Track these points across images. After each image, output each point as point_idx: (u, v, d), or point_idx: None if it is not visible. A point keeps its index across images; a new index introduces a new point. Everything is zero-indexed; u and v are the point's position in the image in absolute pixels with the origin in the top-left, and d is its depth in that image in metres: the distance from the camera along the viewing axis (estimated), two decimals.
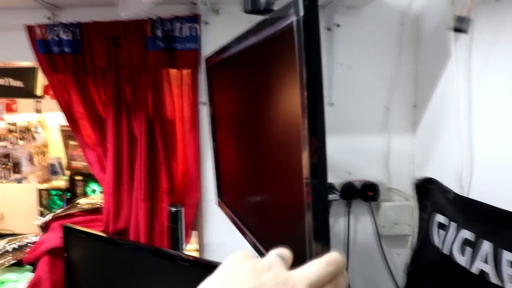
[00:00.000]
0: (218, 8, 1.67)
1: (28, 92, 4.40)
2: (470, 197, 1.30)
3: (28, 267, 1.89)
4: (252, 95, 1.16)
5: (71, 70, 1.67)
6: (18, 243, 1.94)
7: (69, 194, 3.34)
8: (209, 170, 1.73)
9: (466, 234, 1.25)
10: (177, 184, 1.74)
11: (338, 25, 1.71)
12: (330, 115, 1.70)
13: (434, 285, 1.46)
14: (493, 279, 1.12)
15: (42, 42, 1.66)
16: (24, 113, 4.60)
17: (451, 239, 1.33)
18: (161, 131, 1.66)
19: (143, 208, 1.67)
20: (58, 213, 1.92)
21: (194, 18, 1.63)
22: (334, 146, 1.76)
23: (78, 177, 3.39)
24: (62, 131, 4.06)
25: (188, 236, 1.71)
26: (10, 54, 1.77)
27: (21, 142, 4.70)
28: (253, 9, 1.24)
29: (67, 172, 4.18)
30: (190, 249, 1.84)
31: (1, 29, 1.73)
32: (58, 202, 3.36)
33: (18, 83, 4.24)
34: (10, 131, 4.55)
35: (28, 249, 1.87)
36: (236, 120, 1.35)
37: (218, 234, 1.79)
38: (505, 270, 1.09)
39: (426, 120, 1.71)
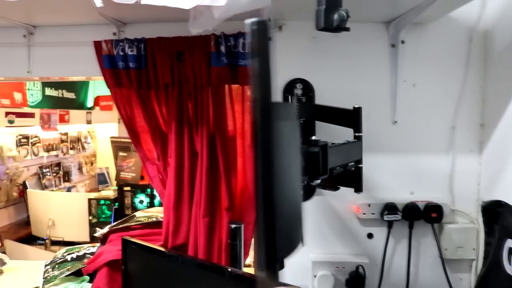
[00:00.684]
0: (282, 24, 1.66)
1: (79, 104, 4.54)
2: None
3: (86, 277, 1.92)
4: None
5: (134, 85, 1.69)
6: (77, 253, 1.97)
7: (117, 204, 3.40)
8: None
9: None
10: (236, 200, 1.72)
11: (403, 42, 1.67)
12: (393, 133, 1.68)
13: None
14: None
15: (108, 57, 1.69)
16: (75, 124, 4.75)
17: None
18: (222, 146, 1.66)
19: (203, 224, 1.66)
20: (116, 226, 1.93)
21: None
22: (397, 165, 1.72)
23: (127, 188, 3.44)
24: (112, 142, 4.16)
25: (246, 253, 1.69)
26: (77, 69, 1.81)
27: (71, 152, 4.84)
28: (326, 26, 1.21)
29: (115, 182, 4.26)
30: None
31: (70, 45, 1.77)
32: (107, 211, 3.42)
33: (71, 95, 4.39)
34: (62, 141, 4.70)
35: (86, 260, 1.89)
36: None
37: None
38: None
39: (494, 139, 1.65)
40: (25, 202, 3.85)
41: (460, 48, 1.69)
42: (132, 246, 1.66)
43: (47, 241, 3.50)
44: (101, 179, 5.12)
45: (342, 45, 1.69)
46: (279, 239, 0.63)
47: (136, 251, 1.65)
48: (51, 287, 1.85)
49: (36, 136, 4.29)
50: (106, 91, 4.76)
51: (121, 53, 1.68)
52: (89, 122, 5.02)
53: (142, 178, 3.90)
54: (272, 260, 0.62)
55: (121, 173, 3.98)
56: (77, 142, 5.09)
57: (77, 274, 1.95)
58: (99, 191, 4.49)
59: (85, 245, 2.10)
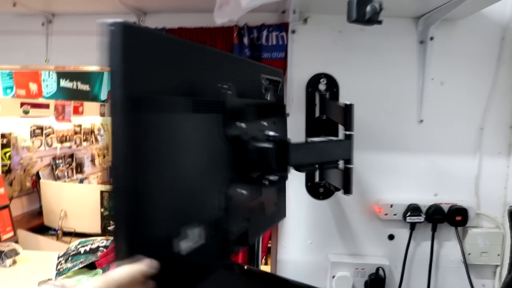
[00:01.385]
0: (307, 16, 1.61)
1: (94, 96, 4.53)
2: None
3: (99, 270, 1.88)
4: None
5: None
6: (90, 246, 1.94)
7: None
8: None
9: None
10: None
11: (431, 38, 1.61)
12: (418, 132, 1.63)
13: None
14: None
15: None
16: (89, 116, 4.75)
17: None
18: None
19: None
20: None
21: (282, 27, 1.59)
22: (421, 165, 1.67)
23: None
24: None
25: (264, 252, 1.65)
26: (96, 58, 1.77)
27: (84, 144, 4.84)
28: (358, 18, 1.16)
29: None
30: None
31: (89, 34, 1.73)
32: None
33: (85, 87, 4.37)
34: (76, 132, 4.70)
35: (99, 253, 1.86)
36: None
37: (294, 251, 1.72)
38: None
39: None
40: (38, 193, 3.85)
41: (491, 46, 1.63)
42: None
43: (58, 231, 3.50)
44: None
45: (369, 41, 1.64)
46: (134, 228, 0.64)
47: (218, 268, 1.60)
48: (64, 279, 1.83)
49: (50, 127, 4.29)
50: None
51: None
52: (102, 114, 5.02)
53: None
54: (122, 249, 0.63)
55: None
56: (90, 134, 5.09)
57: (90, 267, 1.92)
58: (111, 183, 4.47)
59: (99, 238, 2.07)
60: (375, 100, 1.65)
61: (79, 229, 3.49)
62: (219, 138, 0.83)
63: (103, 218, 3.41)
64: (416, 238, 1.69)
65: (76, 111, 4.51)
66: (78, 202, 3.53)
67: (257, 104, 1.05)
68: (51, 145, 4.31)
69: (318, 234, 1.71)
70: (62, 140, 4.52)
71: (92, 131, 5.13)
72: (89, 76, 4.42)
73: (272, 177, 0.96)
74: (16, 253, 2.11)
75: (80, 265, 1.84)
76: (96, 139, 5.22)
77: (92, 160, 5.15)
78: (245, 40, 1.57)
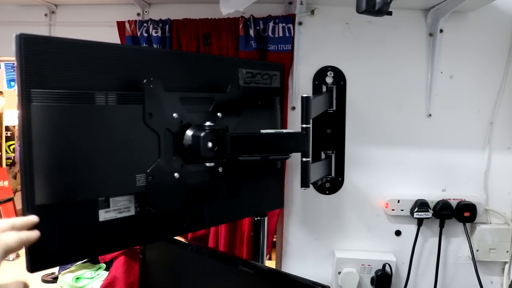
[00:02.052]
0: (314, 8, 1.58)
1: None
2: None
3: (102, 265, 1.88)
4: None
5: None
6: None
7: None
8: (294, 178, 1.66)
9: None
10: None
11: (441, 31, 1.58)
12: (427, 126, 1.60)
13: None
14: None
15: (131, 38, 1.63)
16: None
17: None
18: None
19: None
20: None
21: (289, 18, 1.56)
22: (429, 160, 1.64)
23: None
24: None
25: (269, 247, 1.63)
26: None
27: None
28: (367, 9, 1.13)
29: None
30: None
31: (92, 25, 1.72)
32: None
33: None
34: None
35: None
36: None
37: (299, 246, 1.70)
38: None
39: None
40: None
41: (502, 39, 1.60)
42: None
43: None
44: None
45: (377, 33, 1.61)
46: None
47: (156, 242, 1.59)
48: (67, 274, 1.82)
49: None
50: None
51: (145, 35, 1.62)
52: None
53: None
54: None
55: None
56: None
57: (94, 261, 1.91)
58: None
59: None
60: (383, 93, 1.63)
61: None
62: (143, 126, 0.97)
63: None
64: (424, 234, 1.66)
65: None
66: None
67: (205, 97, 1.13)
68: None
69: (323, 230, 1.69)
70: None
71: None
72: None
73: (208, 164, 1.07)
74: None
75: (83, 259, 1.83)
76: None
77: None
78: (251, 32, 1.55)
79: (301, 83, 1.62)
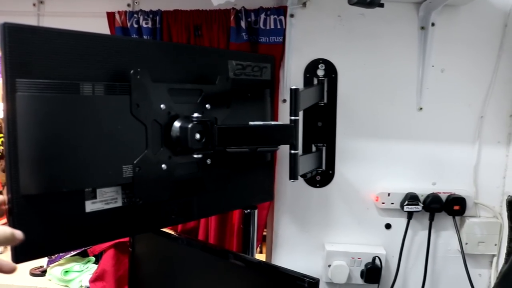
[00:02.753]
0: (306, 0, 1.57)
1: None
2: None
3: (91, 258, 1.86)
4: None
5: None
6: None
7: None
8: (285, 171, 1.65)
9: None
10: None
11: (433, 24, 1.58)
12: (418, 120, 1.60)
13: None
14: None
15: (121, 30, 1.62)
16: None
17: None
18: None
19: None
20: None
21: (280, 10, 1.55)
22: (420, 153, 1.65)
23: None
24: None
25: (259, 240, 1.63)
26: None
27: None
28: (359, 1, 1.13)
29: None
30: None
31: (82, 16, 1.70)
32: None
33: None
34: None
35: None
36: None
37: (289, 240, 1.70)
38: None
39: None
40: None
41: (494, 33, 1.60)
42: None
43: None
44: None
45: (369, 26, 1.60)
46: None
47: (144, 234, 1.58)
48: (55, 267, 1.80)
49: None
50: None
51: (135, 26, 1.60)
52: None
53: None
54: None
55: None
56: None
57: (83, 254, 1.90)
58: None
59: None
60: (374, 86, 1.62)
61: None
62: (130, 117, 0.96)
63: None
64: (414, 227, 1.67)
65: None
66: None
67: (193, 89, 1.13)
68: None
69: (314, 223, 1.69)
70: None
71: None
72: None
73: (196, 155, 1.07)
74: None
75: (73, 253, 1.82)
76: None
77: None
78: (243, 24, 1.53)
79: (292, 76, 1.61)
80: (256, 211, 1.52)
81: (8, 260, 0.75)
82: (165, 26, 1.59)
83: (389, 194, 1.64)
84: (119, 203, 0.98)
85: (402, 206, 1.62)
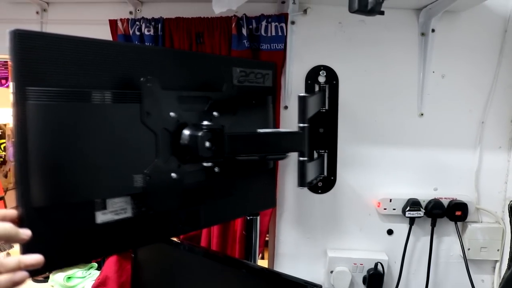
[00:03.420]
0: (307, 7, 1.58)
1: None
2: None
3: (94, 264, 1.87)
4: None
5: None
6: None
7: None
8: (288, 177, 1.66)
9: None
10: None
11: (433, 30, 1.59)
12: (419, 126, 1.61)
13: None
14: None
15: (124, 37, 1.62)
16: None
17: None
18: None
19: None
20: None
21: (281, 17, 1.56)
22: (421, 159, 1.65)
23: None
24: None
25: (261, 246, 1.63)
26: None
27: None
28: (360, 8, 1.14)
29: None
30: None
31: (84, 23, 1.71)
32: None
33: None
34: None
35: None
36: None
37: (292, 246, 1.70)
38: None
39: None
40: None
41: (494, 39, 1.61)
42: None
43: None
44: None
45: (369, 32, 1.61)
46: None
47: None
48: (58, 273, 1.81)
49: None
50: None
51: (137, 33, 1.61)
52: None
53: None
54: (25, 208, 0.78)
55: None
56: None
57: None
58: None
59: None
60: (375, 92, 1.63)
61: None
62: (140, 125, 0.94)
63: None
64: (416, 233, 1.67)
65: None
66: None
67: (202, 96, 1.11)
68: None
69: (316, 229, 1.69)
70: None
71: None
72: None
73: (206, 164, 1.06)
74: (10, 246, 2.09)
75: None
76: None
77: None
78: (244, 31, 1.54)
79: (293, 82, 1.62)
80: (258, 217, 1.52)
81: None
82: (167, 33, 1.60)
83: (391, 200, 1.64)
84: (128, 214, 0.95)
85: (404, 212, 1.62)
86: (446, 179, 1.66)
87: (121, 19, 1.62)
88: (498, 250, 1.66)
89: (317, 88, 1.62)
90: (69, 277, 1.77)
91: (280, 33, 1.56)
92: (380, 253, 1.67)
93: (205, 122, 1.04)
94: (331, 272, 1.64)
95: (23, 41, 0.77)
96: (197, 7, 1.59)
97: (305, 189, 1.66)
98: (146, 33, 1.60)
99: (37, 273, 0.78)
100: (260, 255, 2.05)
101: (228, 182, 1.21)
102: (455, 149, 1.65)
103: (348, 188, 1.66)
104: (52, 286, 1.80)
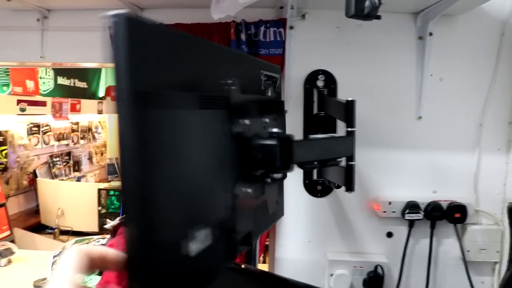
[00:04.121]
0: (305, 12, 1.60)
1: (91, 93, 4.52)
2: None
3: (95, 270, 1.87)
4: None
5: None
6: (86, 245, 1.92)
7: None
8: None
9: None
10: None
11: (430, 34, 1.60)
12: (417, 129, 1.61)
13: None
14: None
15: None
16: (86, 113, 4.73)
17: None
18: None
19: None
20: None
21: (279, 22, 1.57)
22: (420, 162, 1.66)
23: None
24: None
25: (261, 250, 1.64)
26: (92, 55, 1.76)
27: (82, 141, 4.82)
28: (356, 13, 1.15)
29: None
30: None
31: (85, 30, 1.72)
32: (116, 202, 3.38)
33: (82, 84, 4.36)
34: (73, 130, 4.68)
35: None
36: None
37: (292, 250, 1.71)
38: None
39: None
40: (35, 191, 3.83)
41: (491, 42, 1.62)
42: None
43: (56, 230, 3.48)
44: (111, 170, 5.10)
45: (367, 37, 1.63)
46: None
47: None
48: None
49: (47, 125, 4.27)
50: None
51: None
52: (100, 112, 5.00)
53: None
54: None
55: None
56: (88, 132, 5.07)
57: None
58: (109, 181, 4.47)
59: (95, 237, 2.06)
60: (373, 96, 1.64)
61: (76, 228, 3.48)
62: (224, 135, 0.80)
63: (100, 216, 3.39)
64: (415, 235, 1.68)
65: (74, 109, 4.48)
66: (75, 200, 3.51)
67: (259, 100, 1.02)
68: (48, 143, 4.28)
69: (316, 232, 1.70)
70: (60, 138, 4.50)
71: (89, 129, 5.11)
72: (87, 73, 4.40)
73: (276, 175, 0.93)
74: (12, 252, 2.10)
75: None
76: (94, 137, 5.21)
77: (90, 158, 5.13)
78: (243, 36, 1.56)
79: (292, 87, 1.63)
80: None
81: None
82: None
83: (390, 203, 1.65)
84: (209, 241, 0.75)
85: (403, 214, 1.63)
86: (445, 182, 1.66)
87: None
88: (497, 252, 1.66)
89: (315, 92, 1.63)
90: None
91: (278, 38, 1.58)
92: (379, 255, 1.67)
93: (275, 130, 0.93)
94: (331, 275, 1.65)
95: (135, 30, 0.58)
96: (196, 13, 1.61)
97: (305, 193, 1.67)
98: None
99: None
100: (261, 258, 2.06)
101: (276, 192, 1.14)
102: (453, 151, 1.65)
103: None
104: None
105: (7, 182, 3.73)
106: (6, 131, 3.70)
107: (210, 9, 1.35)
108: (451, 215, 1.63)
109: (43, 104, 4.02)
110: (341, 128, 1.63)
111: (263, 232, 1.40)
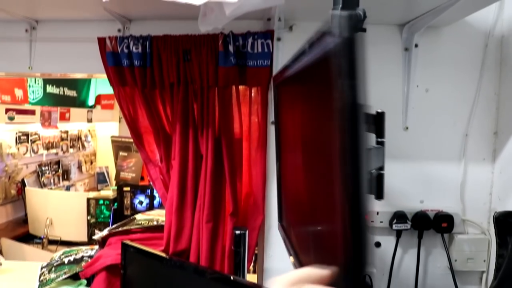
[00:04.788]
0: (292, 24, 1.61)
1: (81, 102, 4.49)
2: None
3: (83, 281, 1.86)
4: (308, 118, 1.06)
5: (139, 84, 1.64)
6: (74, 256, 1.91)
7: (116, 204, 3.34)
8: (274, 192, 1.67)
9: None
10: (241, 206, 1.67)
11: (416, 45, 1.62)
12: (404, 139, 1.63)
13: None
14: None
15: (112, 54, 1.64)
16: (76, 122, 4.70)
17: None
18: (227, 149, 1.61)
19: (206, 229, 1.61)
20: (115, 228, 1.88)
21: (267, 34, 1.58)
22: (407, 172, 1.67)
23: (126, 188, 3.38)
24: (113, 141, 4.09)
25: (250, 260, 1.64)
26: (80, 65, 1.76)
27: (71, 150, 4.79)
28: None
29: (114, 182, 4.20)
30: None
31: (73, 41, 1.72)
32: (106, 211, 3.36)
33: (72, 93, 4.33)
34: (62, 139, 4.65)
35: (84, 263, 1.83)
36: (295, 143, 1.27)
37: (280, 260, 1.71)
38: None
39: (508, 148, 1.60)
40: (23, 200, 3.80)
41: (475, 53, 1.64)
42: (132, 251, 1.59)
43: (44, 240, 3.45)
44: (101, 179, 5.07)
45: None
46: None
47: (136, 256, 1.59)
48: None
49: (36, 134, 4.24)
50: (107, 90, 4.70)
51: (126, 51, 1.63)
52: (89, 120, 4.97)
53: (142, 178, 3.83)
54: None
55: (121, 173, 3.91)
56: (77, 141, 5.04)
57: (75, 277, 1.89)
58: (98, 190, 4.44)
59: (83, 248, 2.04)
60: None
61: (65, 237, 3.45)
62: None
63: (89, 226, 3.36)
64: (403, 245, 1.69)
65: (63, 117, 4.45)
66: (64, 209, 3.48)
67: None
68: (37, 152, 4.25)
69: None
70: (48, 146, 4.46)
71: (79, 138, 5.08)
72: (76, 82, 4.38)
73: None
74: None
75: (64, 276, 1.82)
76: (83, 146, 5.17)
77: (79, 167, 5.09)
78: (231, 48, 1.57)
79: None
80: (246, 232, 1.54)
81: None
82: (155, 50, 1.62)
83: (377, 213, 1.66)
84: None
85: (391, 224, 1.64)
86: (432, 192, 1.68)
87: (109, 37, 1.64)
88: (484, 261, 1.68)
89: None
90: None
91: (266, 50, 1.59)
92: (368, 265, 1.67)
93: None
94: None
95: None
96: (184, 24, 1.62)
97: None
98: (135, 50, 1.62)
99: None
100: (252, 268, 2.06)
101: None
102: (440, 161, 1.67)
103: None
104: None
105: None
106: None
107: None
108: (438, 224, 1.64)
109: (32, 112, 3.99)
110: None
111: None
